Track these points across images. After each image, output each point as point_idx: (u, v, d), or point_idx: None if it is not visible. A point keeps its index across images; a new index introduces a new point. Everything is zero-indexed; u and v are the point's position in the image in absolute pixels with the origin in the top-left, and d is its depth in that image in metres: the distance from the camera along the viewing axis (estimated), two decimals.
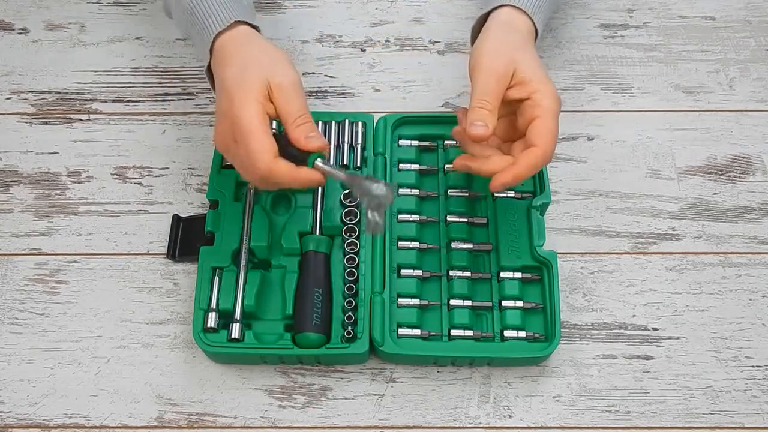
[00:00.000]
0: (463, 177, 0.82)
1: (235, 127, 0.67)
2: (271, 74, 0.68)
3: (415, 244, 0.79)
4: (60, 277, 0.81)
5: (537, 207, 0.80)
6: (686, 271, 0.81)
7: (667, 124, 0.90)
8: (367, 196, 0.67)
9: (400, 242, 0.79)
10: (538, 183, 0.82)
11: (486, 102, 0.68)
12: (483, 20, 0.76)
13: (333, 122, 0.85)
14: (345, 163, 0.83)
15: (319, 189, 0.80)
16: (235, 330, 0.74)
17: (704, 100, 0.91)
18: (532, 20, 0.74)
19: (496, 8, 0.74)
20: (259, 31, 0.74)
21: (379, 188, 0.66)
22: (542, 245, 0.78)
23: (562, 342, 0.77)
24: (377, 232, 0.69)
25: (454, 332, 0.75)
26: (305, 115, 0.68)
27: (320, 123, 0.84)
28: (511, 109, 0.72)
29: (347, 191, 0.80)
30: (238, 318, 0.74)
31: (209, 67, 0.73)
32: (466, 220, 0.80)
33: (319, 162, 0.68)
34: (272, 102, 0.68)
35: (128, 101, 0.91)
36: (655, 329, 0.78)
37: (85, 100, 0.91)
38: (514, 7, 0.74)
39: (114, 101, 0.91)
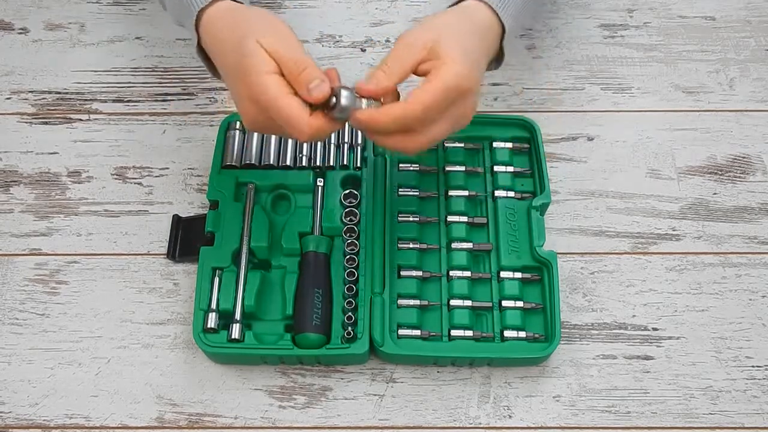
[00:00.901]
0: (463, 177, 0.82)
1: (264, 107, 0.65)
2: (261, 35, 0.66)
3: (415, 244, 0.79)
4: (60, 277, 0.81)
5: (537, 207, 0.80)
6: (686, 271, 0.81)
7: (667, 124, 0.90)
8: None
9: (400, 242, 0.79)
10: (538, 183, 0.82)
11: (385, 65, 0.67)
12: None
13: None
14: (345, 163, 0.83)
15: (319, 190, 0.80)
16: (235, 330, 0.74)
17: (704, 100, 0.91)
18: (499, 19, 0.72)
19: (461, 1, 0.73)
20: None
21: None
22: (542, 245, 0.78)
23: (562, 342, 0.77)
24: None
25: (454, 332, 0.75)
26: (299, 61, 0.65)
27: None
28: None
29: (347, 191, 0.80)
30: (238, 318, 0.74)
31: (200, 46, 0.72)
32: (466, 220, 0.80)
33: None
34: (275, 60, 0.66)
35: (128, 101, 0.91)
36: (655, 329, 0.78)
37: (85, 100, 0.91)
38: (483, 2, 0.72)
39: (114, 101, 0.91)
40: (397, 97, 0.67)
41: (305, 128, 0.64)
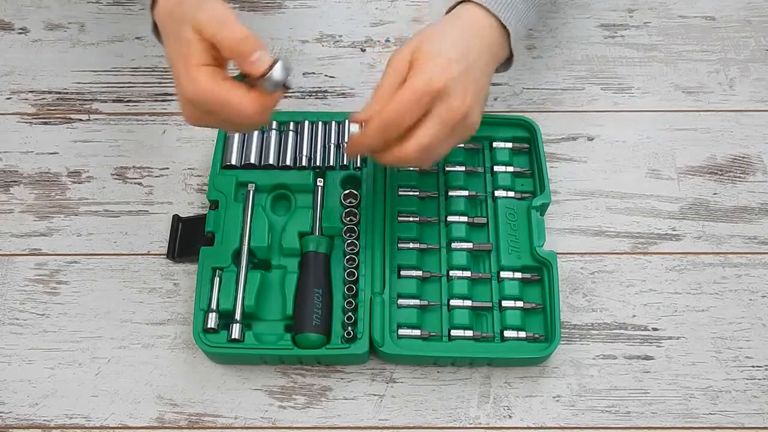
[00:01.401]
0: (463, 177, 0.82)
1: (200, 99, 0.63)
2: (193, 16, 0.63)
3: (415, 244, 0.79)
4: (60, 277, 0.81)
5: (537, 207, 0.80)
6: (686, 271, 0.81)
7: (667, 124, 0.90)
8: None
9: (400, 242, 0.79)
10: (538, 183, 0.82)
11: (377, 92, 0.67)
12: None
13: (333, 122, 0.84)
14: (345, 163, 0.83)
15: (319, 190, 0.80)
16: (236, 330, 0.74)
17: (704, 100, 0.91)
18: (498, 19, 0.71)
19: (461, 3, 0.73)
20: None
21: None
22: (542, 245, 0.78)
23: (562, 342, 0.77)
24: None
25: (454, 332, 0.75)
26: (236, 33, 0.63)
27: (320, 123, 0.84)
28: None
29: (347, 191, 0.80)
30: (239, 318, 0.74)
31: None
32: (466, 220, 0.80)
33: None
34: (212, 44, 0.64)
35: (128, 101, 0.91)
36: (655, 329, 0.78)
37: (85, 100, 0.91)
38: (477, 4, 0.71)
39: (114, 101, 0.91)
40: None
41: (248, 105, 0.63)
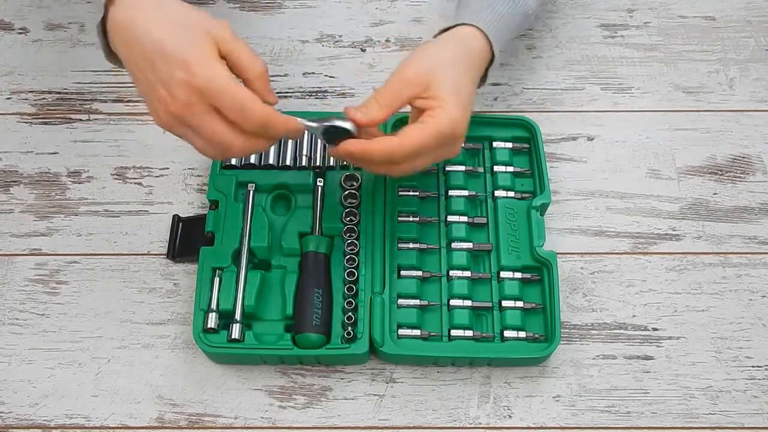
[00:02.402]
0: (463, 177, 0.82)
1: (207, 93, 0.60)
2: (209, 28, 0.63)
3: (415, 244, 0.79)
4: (60, 277, 0.81)
5: (537, 207, 0.80)
6: (686, 271, 0.81)
7: (667, 124, 0.90)
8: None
9: (400, 242, 0.79)
10: (538, 183, 0.82)
11: (379, 95, 0.68)
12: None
13: None
14: (345, 163, 0.83)
15: (319, 190, 0.80)
16: (236, 330, 0.74)
17: (704, 100, 0.91)
18: (490, 45, 0.74)
19: (459, 25, 0.74)
20: None
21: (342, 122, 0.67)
22: (542, 245, 0.78)
23: (562, 342, 0.77)
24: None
25: (454, 332, 0.75)
26: (257, 63, 0.64)
27: None
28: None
29: (347, 191, 0.80)
30: (239, 318, 0.74)
31: (104, 26, 0.68)
32: (466, 220, 0.80)
33: (302, 120, 0.66)
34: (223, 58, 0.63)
35: (128, 101, 0.91)
36: (655, 329, 0.78)
37: (85, 100, 0.91)
38: (477, 28, 0.74)
39: (114, 101, 0.91)
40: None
41: (259, 110, 0.61)
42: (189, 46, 0.61)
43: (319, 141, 0.83)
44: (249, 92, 0.62)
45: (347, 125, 0.67)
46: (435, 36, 0.76)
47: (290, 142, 0.83)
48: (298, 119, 0.66)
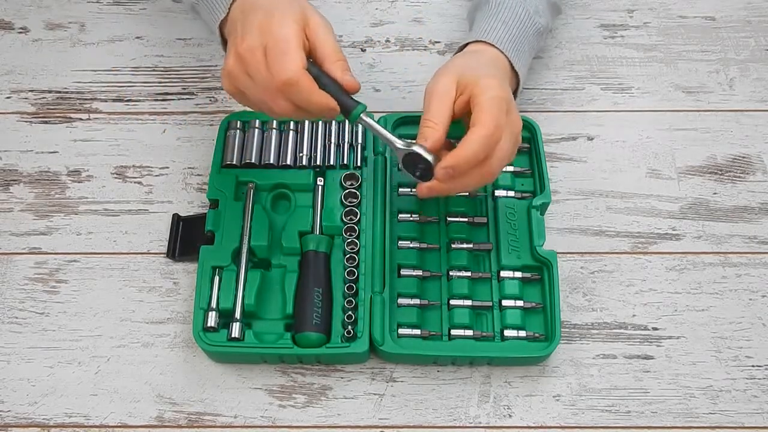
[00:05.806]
0: None
1: (271, 36, 0.66)
2: (309, 13, 0.69)
3: (415, 243, 0.79)
4: (60, 276, 0.81)
5: (537, 207, 0.80)
6: (686, 271, 0.81)
7: (667, 124, 0.90)
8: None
9: (400, 242, 0.79)
10: (538, 183, 0.82)
11: (428, 120, 0.69)
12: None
13: (333, 122, 0.84)
14: (345, 162, 0.83)
15: (319, 189, 0.80)
16: (235, 329, 0.74)
17: (704, 100, 0.91)
18: (507, 59, 0.77)
19: (474, 42, 0.78)
20: None
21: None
22: (542, 245, 0.78)
23: (562, 342, 0.77)
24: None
25: (454, 332, 0.75)
26: (341, 54, 0.69)
27: (320, 122, 0.84)
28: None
29: (347, 190, 0.80)
30: (238, 317, 0.74)
31: (221, 27, 0.74)
32: (466, 219, 0.80)
33: (363, 115, 0.70)
34: (307, 39, 0.69)
35: (128, 101, 0.91)
36: (655, 329, 0.78)
37: (85, 99, 0.91)
38: (490, 45, 0.76)
39: (114, 101, 0.91)
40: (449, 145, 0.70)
41: (293, 67, 0.66)
42: (278, 30, 0.67)
43: (318, 140, 0.83)
44: (301, 54, 0.66)
45: (429, 157, 0.68)
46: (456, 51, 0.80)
47: (290, 141, 0.83)
48: (390, 136, 0.70)
